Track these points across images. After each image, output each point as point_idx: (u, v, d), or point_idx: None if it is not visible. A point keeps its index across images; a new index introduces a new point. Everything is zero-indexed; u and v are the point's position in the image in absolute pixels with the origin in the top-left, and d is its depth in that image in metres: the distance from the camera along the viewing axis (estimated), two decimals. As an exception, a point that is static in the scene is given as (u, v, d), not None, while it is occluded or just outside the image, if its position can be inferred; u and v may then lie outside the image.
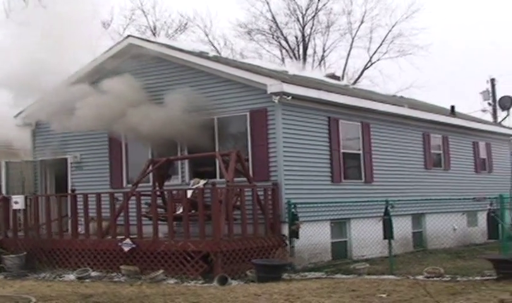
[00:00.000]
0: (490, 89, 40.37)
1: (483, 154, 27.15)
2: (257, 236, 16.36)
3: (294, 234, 16.95)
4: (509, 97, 39.05)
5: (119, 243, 16.66)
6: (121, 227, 17.16)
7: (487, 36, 76.68)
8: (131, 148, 19.88)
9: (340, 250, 18.96)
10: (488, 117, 39.22)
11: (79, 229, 18.25)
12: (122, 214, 17.14)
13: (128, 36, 21.25)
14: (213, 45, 46.14)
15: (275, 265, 15.56)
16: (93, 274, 16.64)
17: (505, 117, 39.01)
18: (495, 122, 36.79)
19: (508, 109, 38.83)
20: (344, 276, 15.51)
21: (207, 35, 46.92)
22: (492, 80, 40.41)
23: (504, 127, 32.44)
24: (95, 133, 20.22)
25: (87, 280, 16.02)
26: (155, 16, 46.74)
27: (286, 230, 17.02)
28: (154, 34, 43.49)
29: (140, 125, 17.97)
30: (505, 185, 26.21)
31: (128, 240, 16.54)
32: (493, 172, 27.50)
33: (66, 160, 21.23)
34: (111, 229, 17.38)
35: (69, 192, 19.66)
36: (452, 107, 26.48)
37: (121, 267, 16.42)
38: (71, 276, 16.61)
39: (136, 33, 40.88)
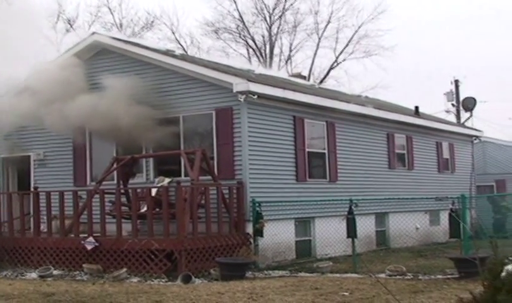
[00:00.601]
0: (454, 90, 40.92)
1: (446, 154, 27.49)
2: (221, 234, 16.36)
3: (259, 233, 16.97)
4: (472, 98, 39.62)
5: (82, 242, 16.52)
6: (84, 225, 17.01)
7: (451, 39, 77.65)
8: (96, 145, 19.74)
9: (304, 248, 19.04)
10: (452, 117, 39.75)
11: (42, 227, 18.05)
12: (85, 212, 17.00)
13: (94, 33, 21.09)
14: (179, 43, 46.07)
15: (239, 263, 15.57)
16: (56, 272, 16.46)
17: (468, 118, 39.61)
18: (459, 123, 37.29)
19: (471, 110, 39.40)
20: (307, 275, 15.59)
21: (173, 33, 46.82)
22: (456, 81, 40.97)
23: (466, 127, 32.89)
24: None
25: (49, 279, 15.85)
26: (121, 13, 46.56)
27: (250, 229, 17.04)
28: (120, 32, 43.17)
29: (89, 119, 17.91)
30: (467, 185, 26.61)
31: (91, 239, 16.41)
32: (456, 172, 27.84)
33: (29, 157, 20.99)
34: (74, 227, 17.22)
35: (32, 189, 19.42)
36: (417, 108, 26.77)
37: (84, 265, 16.28)
38: (33, 275, 16.42)
39: (101, 30, 40.62)
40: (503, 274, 5.84)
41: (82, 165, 19.90)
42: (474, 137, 30.47)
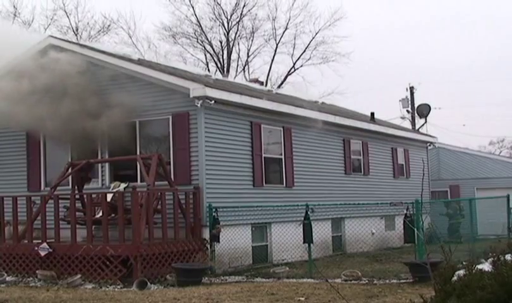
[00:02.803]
0: (409, 97, 41.42)
1: (401, 160, 27.81)
2: (178, 240, 16.28)
3: (215, 238, 16.95)
4: (426, 105, 40.19)
5: (36, 248, 16.29)
6: (38, 231, 16.78)
7: (407, 46, 78.70)
8: (50, 149, 19.49)
9: (261, 254, 19.07)
10: (407, 124, 40.23)
11: (-5, 233, 17.74)
12: (39, 217, 16.76)
13: (49, 36, 20.82)
14: (136, 47, 45.71)
15: (195, 269, 15.52)
16: (9, 279, 16.22)
17: (422, 124, 40.14)
18: (413, 129, 37.76)
19: (425, 117, 39.95)
20: (264, 280, 15.61)
21: (130, 37, 46.44)
22: (411, 88, 41.48)
23: (421, 134, 33.33)
24: (12, 134, 19.76)
25: (2, 285, 15.58)
26: (77, 16, 45.88)
27: (206, 234, 17.00)
28: (76, 35, 42.71)
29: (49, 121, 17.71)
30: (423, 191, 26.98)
31: (44, 245, 16.20)
32: (410, 178, 28.18)
33: (-19, 161, 20.62)
34: (28, 233, 16.97)
35: (-16, 195, 19.06)
36: (372, 114, 27.04)
37: (38, 272, 16.06)
38: (-14, 281, 16.15)
39: (57, 33, 40.13)
40: (454, 279, 5.93)
41: (36, 170, 19.62)
42: (428, 143, 30.91)
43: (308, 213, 17.19)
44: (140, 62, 20.80)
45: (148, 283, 14.40)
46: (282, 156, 20.38)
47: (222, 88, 18.58)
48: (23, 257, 16.70)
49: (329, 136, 22.87)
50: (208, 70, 42.85)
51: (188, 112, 17.37)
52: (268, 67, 47.31)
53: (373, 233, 23.50)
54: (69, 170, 17.93)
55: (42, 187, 19.36)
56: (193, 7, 46.26)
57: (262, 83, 31.46)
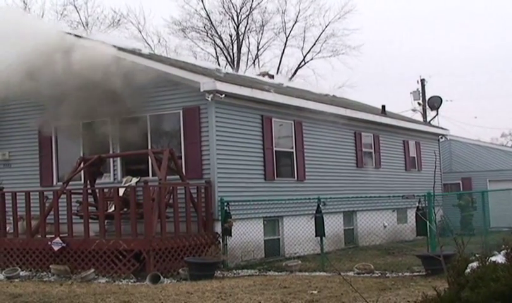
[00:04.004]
0: (420, 89, 41.27)
1: (412, 152, 27.72)
2: (190, 234, 16.33)
3: (227, 232, 16.97)
4: (437, 97, 40.02)
5: (49, 243, 16.37)
6: (51, 226, 16.86)
7: (418, 38, 78.44)
8: (62, 145, 19.57)
9: (273, 247, 19.08)
10: (419, 116, 40.10)
11: (8, 228, 17.85)
12: (52, 212, 16.84)
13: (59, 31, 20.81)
14: (146, 42, 45.76)
15: (208, 263, 15.56)
16: (23, 273, 16.32)
17: (434, 117, 39.99)
18: (425, 122, 37.62)
19: (437, 109, 39.79)
20: (276, 273, 15.63)
21: (140, 32, 46.50)
22: (422, 80, 41.32)
23: (433, 126, 33.20)
24: (24, 130, 19.84)
25: (16, 280, 15.69)
26: (87, 11, 46.16)
27: (218, 228, 17.03)
28: (86, 30, 42.77)
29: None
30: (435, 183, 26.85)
31: (58, 239, 16.27)
32: (422, 170, 28.10)
33: (-6, 157, 20.73)
34: (41, 228, 17.05)
35: (-3, 190, 19.16)
36: (383, 106, 26.96)
37: (51, 266, 16.14)
38: (0, 276, 16.23)
39: (67, 28, 40.17)
40: (467, 271, 5.92)
41: (48, 165, 19.71)
42: (440, 136, 30.80)
43: (320, 206, 17.20)
44: (150, 56, 20.81)
45: (161, 277, 14.45)
46: (293, 150, 20.36)
47: (233, 82, 18.57)
48: (37, 252, 16.79)
49: (340, 129, 22.80)
50: (219, 64, 42.85)
51: (199, 106, 17.38)
52: (279, 61, 47.33)
53: (385, 226, 23.45)
54: (81, 165, 17.99)
55: (55, 182, 19.45)
56: (202, 1, 46.28)
57: (272, 76, 31.37)
